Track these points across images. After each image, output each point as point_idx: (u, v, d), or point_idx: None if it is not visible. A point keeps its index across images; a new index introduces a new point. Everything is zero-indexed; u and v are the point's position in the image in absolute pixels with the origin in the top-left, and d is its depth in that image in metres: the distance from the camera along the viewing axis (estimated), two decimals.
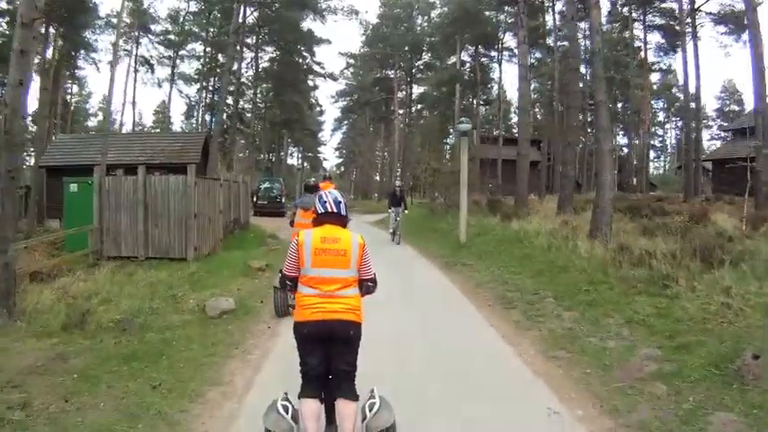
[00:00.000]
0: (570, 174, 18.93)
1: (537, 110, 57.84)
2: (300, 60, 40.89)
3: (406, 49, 51.17)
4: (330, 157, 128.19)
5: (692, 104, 31.21)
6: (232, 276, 10.27)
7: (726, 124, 58.22)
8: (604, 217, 11.63)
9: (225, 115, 46.39)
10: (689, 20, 29.37)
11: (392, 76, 53.59)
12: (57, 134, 32.90)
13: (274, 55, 40.69)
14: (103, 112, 31.82)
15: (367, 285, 3.65)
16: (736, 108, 64.30)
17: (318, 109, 61.46)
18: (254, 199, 28.85)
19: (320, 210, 3.66)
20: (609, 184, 12.03)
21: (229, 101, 42.36)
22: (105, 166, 22.40)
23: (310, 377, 3.51)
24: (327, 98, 65.96)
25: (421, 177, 29.80)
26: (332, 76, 48.29)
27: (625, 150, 58.29)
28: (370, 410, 3.41)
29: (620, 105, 52.18)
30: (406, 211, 17.31)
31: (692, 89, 29.55)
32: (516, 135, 49.46)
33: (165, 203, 12.91)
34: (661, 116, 67.80)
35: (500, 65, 47.60)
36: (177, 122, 52.92)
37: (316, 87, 47.01)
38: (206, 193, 13.65)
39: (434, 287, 10.20)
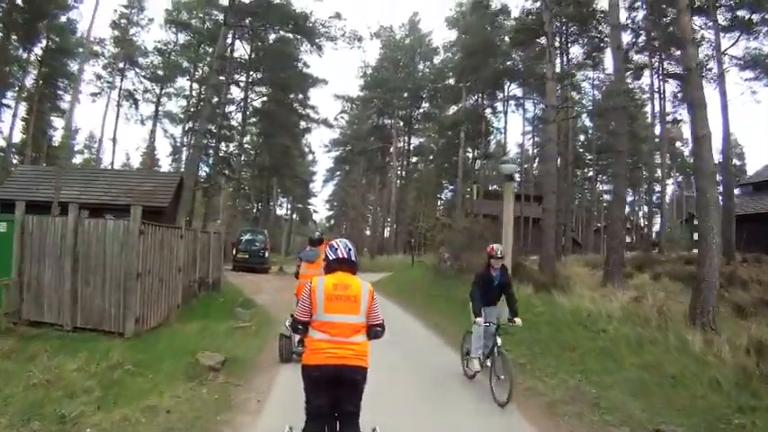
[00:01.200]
0: (620, 234, 15.79)
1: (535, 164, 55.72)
2: (293, 98, 38.06)
3: (406, 95, 48.87)
4: (321, 209, 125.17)
5: (719, 156, 28.58)
6: (171, 376, 6.65)
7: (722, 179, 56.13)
8: (712, 296, 8.34)
9: (211, 160, 43.69)
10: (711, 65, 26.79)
11: (390, 124, 51.13)
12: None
13: (265, 97, 37.81)
14: (63, 140, 28.38)
15: (375, 330, 3.83)
16: (738, 162, 62.32)
17: (310, 157, 58.78)
18: (234, 252, 25.41)
19: (331, 256, 3.89)
20: (716, 248, 8.77)
21: (215, 142, 39.47)
22: (58, 203, 18.92)
23: (315, 416, 3.70)
24: (320, 147, 63.27)
25: (422, 233, 26.56)
26: (326, 123, 45.70)
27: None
28: None
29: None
30: (517, 321, 6.91)
31: (717, 140, 26.74)
32: (522, 190, 47.30)
33: (101, 255, 9.45)
34: (659, 171, 65.77)
35: (506, 115, 45.27)
36: (165, 165, 49.58)
37: (308, 130, 44.10)
38: (158, 245, 10.18)
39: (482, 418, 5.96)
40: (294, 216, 76.99)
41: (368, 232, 65.07)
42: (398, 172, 51.66)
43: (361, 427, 3.73)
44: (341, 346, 3.62)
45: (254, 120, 40.29)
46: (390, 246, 46.46)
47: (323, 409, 3.67)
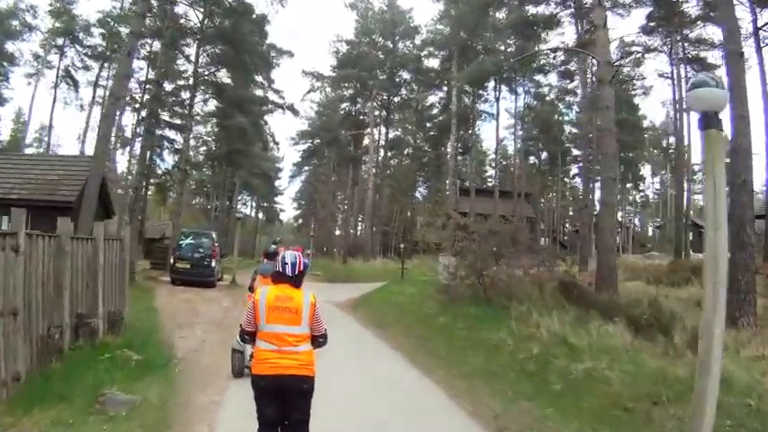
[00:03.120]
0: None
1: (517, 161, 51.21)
2: (253, 72, 32.13)
3: (383, 77, 43.38)
4: (288, 207, 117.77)
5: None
6: None
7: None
8: None
9: (165, 151, 37.54)
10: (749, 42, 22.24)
11: (366, 108, 45.44)
12: None
13: (219, 65, 31.50)
14: None
15: (318, 341, 3.98)
16: None
17: (276, 151, 52.82)
18: (172, 261, 19.88)
19: (278, 269, 4.05)
20: None
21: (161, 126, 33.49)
22: None
23: (265, 424, 3.85)
24: (287, 140, 57.27)
25: (417, 236, 21.53)
26: (292, 109, 39.96)
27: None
28: None
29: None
30: None
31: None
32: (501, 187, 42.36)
33: None
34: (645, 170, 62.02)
35: (498, 102, 40.46)
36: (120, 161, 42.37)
37: (269, 111, 38.21)
38: None
39: None
40: (260, 215, 70.91)
41: (338, 232, 59.46)
42: (375, 165, 46.04)
43: None
44: (285, 356, 3.76)
45: (206, 97, 33.71)
46: (366, 248, 40.95)
47: (272, 418, 3.82)
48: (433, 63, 43.45)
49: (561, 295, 11.38)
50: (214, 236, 21.83)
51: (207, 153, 45.67)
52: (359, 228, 55.65)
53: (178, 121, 34.94)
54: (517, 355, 8.36)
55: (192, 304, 14.34)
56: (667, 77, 34.06)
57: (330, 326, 4.18)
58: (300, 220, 73.08)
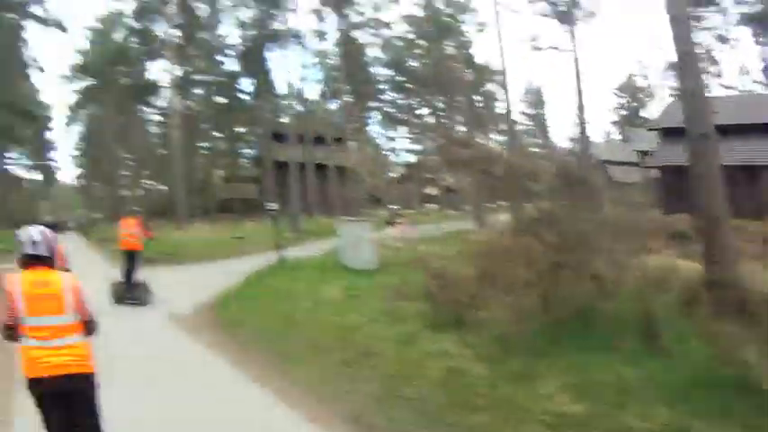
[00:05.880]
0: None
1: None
2: None
3: None
4: (67, 165, 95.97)
5: None
6: None
7: None
8: None
9: None
10: None
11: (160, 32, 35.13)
12: None
13: None
14: None
15: (89, 327, 3.41)
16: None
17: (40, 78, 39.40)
18: None
19: (26, 250, 3.35)
20: None
21: None
22: None
23: None
24: (57, 79, 43.87)
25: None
26: (59, 25, 28.94)
27: None
28: None
29: None
30: None
31: None
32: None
33: None
34: None
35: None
36: None
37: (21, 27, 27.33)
38: None
39: None
40: (38, 176, 55.69)
41: (131, 191, 48.19)
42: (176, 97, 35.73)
43: None
44: (56, 352, 3.21)
45: None
46: (178, 210, 32.26)
47: (61, 425, 3.27)
48: None
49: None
50: None
51: None
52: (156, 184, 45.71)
53: None
54: None
55: None
56: None
57: None
58: (84, 180, 59.31)
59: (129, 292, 10.46)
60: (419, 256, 10.39)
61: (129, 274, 10.63)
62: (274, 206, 15.25)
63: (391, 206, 37.69)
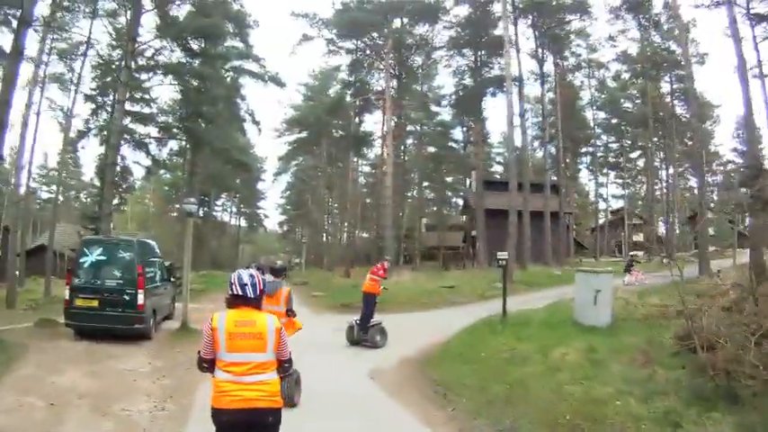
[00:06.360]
0: None
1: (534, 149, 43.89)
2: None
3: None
4: (273, 213, 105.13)
5: None
6: None
7: None
8: None
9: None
10: None
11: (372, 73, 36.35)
12: None
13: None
14: None
15: (284, 367, 3.57)
16: None
17: (255, 132, 43.60)
18: (68, 291, 11.22)
19: (229, 291, 3.53)
20: None
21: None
22: None
23: None
24: (271, 131, 48.18)
25: None
26: (276, 80, 31.25)
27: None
28: None
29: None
30: None
31: None
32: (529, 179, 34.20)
33: None
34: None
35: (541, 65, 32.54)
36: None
37: (239, 73, 29.82)
38: None
39: None
40: (242, 222, 61.92)
41: (334, 238, 50.72)
42: (393, 142, 35.16)
43: None
44: (248, 387, 3.34)
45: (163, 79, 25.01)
46: (389, 257, 32.21)
47: None
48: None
49: None
50: (135, 243, 11.64)
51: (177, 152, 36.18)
52: (359, 232, 47.11)
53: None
54: None
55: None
56: None
57: None
58: (286, 227, 64.12)
59: (365, 334, 11.00)
60: (662, 310, 9.56)
61: (365, 316, 11.13)
62: (505, 255, 13.91)
63: (632, 252, 34.69)
